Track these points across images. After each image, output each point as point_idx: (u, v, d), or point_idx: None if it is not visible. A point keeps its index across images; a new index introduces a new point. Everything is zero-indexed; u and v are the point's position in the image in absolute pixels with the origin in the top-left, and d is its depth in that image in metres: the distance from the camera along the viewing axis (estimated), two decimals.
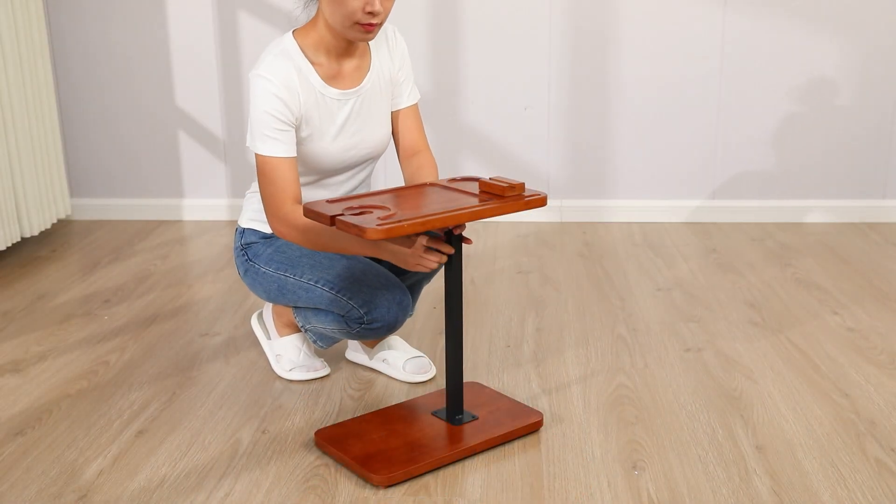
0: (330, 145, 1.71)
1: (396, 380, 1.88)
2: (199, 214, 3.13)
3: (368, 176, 1.87)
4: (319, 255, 1.74)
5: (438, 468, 1.53)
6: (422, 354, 1.91)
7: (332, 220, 1.44)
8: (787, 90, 2.91)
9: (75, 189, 3.15)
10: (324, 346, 1.87)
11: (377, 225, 1.37)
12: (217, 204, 3.11)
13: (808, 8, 2.83)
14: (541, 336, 2.08)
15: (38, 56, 2.81)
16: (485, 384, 1.83)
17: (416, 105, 1.82)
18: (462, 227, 1.55)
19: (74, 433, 1.68)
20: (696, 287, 2.38)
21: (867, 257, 2.61)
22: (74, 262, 2.68)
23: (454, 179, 1.63)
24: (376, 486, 1.48)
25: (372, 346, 1.93)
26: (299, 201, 1.66)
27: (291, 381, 1.88)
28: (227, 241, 2.88)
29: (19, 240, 2.79)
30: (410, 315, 1.96)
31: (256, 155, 1.66)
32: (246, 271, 1.83)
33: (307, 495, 1.47)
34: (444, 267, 1.64)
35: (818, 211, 2.98)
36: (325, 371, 1.90)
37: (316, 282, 1.71)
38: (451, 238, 1.56)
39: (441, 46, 2.93)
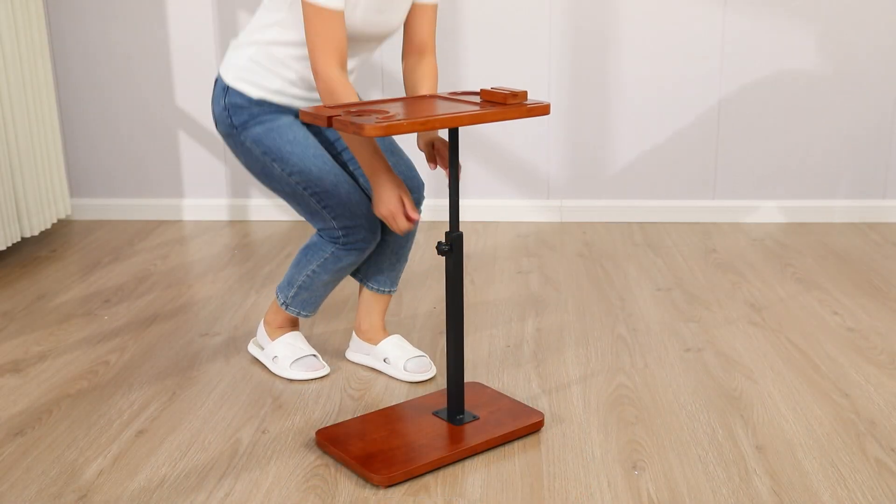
0: (355, 13, 1.68)
1: (397, 379, 1.88)
2: (200, 214, 3.13)
3: (369, 58, 1.93)
4: (311, 155, 1.74)
5: (439, 468, 1.54)
6: (423, 354, 1.91)
7: (329, 121, 1.42)
8: (786, 90, 2.90)
9: (75, 189, 3.14)
10: (308, 312, 1.89)
11: (376, 122, 1.36)
12: (217, 204, 3.11)
13: (807, 8, 2.83)
14: (541, 336, 2.08)
15: (38, 56, 2.81)
16: (485, 384, 1.83)
17: (435, 6, 1.80)
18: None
19: (74, 433, 1.68)
20: (696, 287, 2.38)
21: (867, 257, 2.61)
22: (74, 262, 2.68)
23: (455, 93, 1.63)
24: (376, 485, 1.48)
25: (374, 342, 1.93)
26: (345, 66, 1.65)
27: (291, 380, 1.88)
28: (228, 240, 2.88)
29: (19, 240, 2.79)
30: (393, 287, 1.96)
31: (308, 4, 1.61)
32: (228, 135, 1.78)
33: (307, 495, 1.47)
34: (445, 266, 1.64)
35: (818, 211, 2.98)
36: (325, 371, 1.90)
37: (305, 188, 1.73)
38: (448, 240, 1.57)
39: (441, 46, 2.93)
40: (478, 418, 1.65)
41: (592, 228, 2.94)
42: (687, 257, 2.64)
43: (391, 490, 1.47)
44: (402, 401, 1.77)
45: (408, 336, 2.09)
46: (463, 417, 1.65)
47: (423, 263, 2.62)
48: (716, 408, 1.73)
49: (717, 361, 1.93)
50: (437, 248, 1.59)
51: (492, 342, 2.05)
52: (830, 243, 2.74)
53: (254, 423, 1.71)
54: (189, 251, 2.78)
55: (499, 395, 1.75)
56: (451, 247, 1.57)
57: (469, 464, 1.55)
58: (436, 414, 1.67)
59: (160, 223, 3.09)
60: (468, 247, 2.77)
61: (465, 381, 1.86)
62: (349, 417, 1.71)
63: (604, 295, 2.33)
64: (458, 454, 1.55)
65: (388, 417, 1.67)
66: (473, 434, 1.60)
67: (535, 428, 1.64)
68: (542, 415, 1.66)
